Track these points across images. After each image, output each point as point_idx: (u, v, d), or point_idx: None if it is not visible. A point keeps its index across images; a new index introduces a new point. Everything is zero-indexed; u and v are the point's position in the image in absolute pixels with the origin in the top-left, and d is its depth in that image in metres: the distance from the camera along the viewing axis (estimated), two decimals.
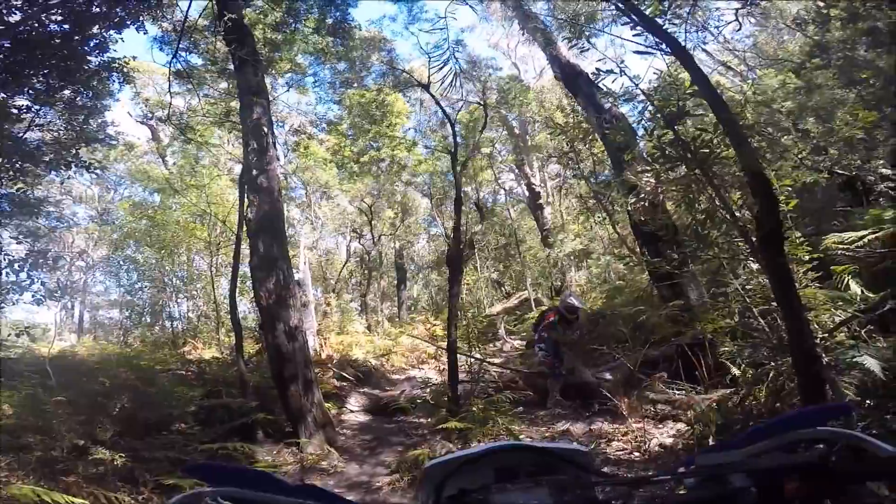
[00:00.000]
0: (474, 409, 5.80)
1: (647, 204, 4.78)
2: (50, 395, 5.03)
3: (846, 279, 4.12)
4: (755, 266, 4.16)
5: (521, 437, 5.40)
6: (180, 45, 7.89)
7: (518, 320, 13.22)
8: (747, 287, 4.27)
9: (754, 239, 3.54)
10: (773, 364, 3.78)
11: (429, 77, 9.44)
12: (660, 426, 4.74)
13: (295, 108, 15.03)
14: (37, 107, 6.67)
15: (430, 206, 18.63)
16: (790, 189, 4.39)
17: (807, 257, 4.02)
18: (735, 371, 4.34)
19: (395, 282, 19.03)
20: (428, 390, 8.01)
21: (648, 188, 4.64)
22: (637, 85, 4.55)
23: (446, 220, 14.52)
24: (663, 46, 3.71)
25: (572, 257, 13.30)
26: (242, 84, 6.75)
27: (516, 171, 17.26)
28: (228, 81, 8.12)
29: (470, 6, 10.03)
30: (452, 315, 6.78)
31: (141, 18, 6.79)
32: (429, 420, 6.64)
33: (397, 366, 10.83)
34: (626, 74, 4.33)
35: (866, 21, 6.56)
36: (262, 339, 7.27)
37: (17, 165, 6.70)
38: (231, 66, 7.68)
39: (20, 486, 3.30)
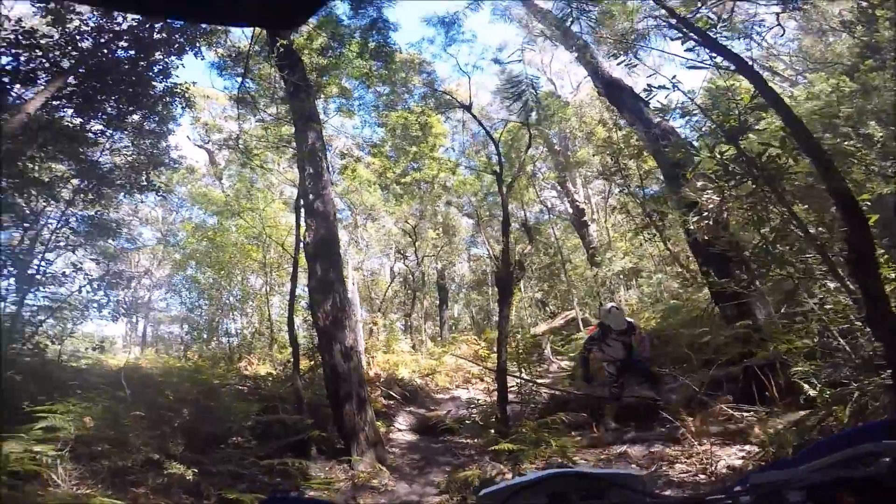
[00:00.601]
0: (525, 430, 5.68)
1: (710, 222, 4.59)
2: (124, 408, 5.27)
3: None
4: (833, 285, 3.92)
5: (575, 459, 5.24)
6: (236, 71, 8.41)
7: (565, 340, 12.87)
8: (826, 306, 4.01)
9: (832, 257, 3.35)
10: (855, 384, 3.60)
11: (469, 97, 9.64)
12: (727, 448, 4.54)
13: (341, 131, 15.68)
14: (109, 131, 7.25)
15: (471, 226, 18.72)
16: (868, 203, 4.12)
17: (893, 275, 3.73)
18: (811, 391, 4.09)
19: (438, 302, 19.11)
20: (475, 410, 7.91)
21: (711, 205, 4.46)
22: (692, 100, 4.47)
23: (489, 240, 14.52)
24: (717, 60, 3.63)
25: (621, 276, 12.88)
26: (296, 109, 7.09)
27: (559, 188, 17.08)
28: (278, 107, 8.55)
29: (516, 23, 10.18)
30: (502, 336, 6.74)
31: (197, 45, 7.23)
32: (476, 441, 6.57)
33: (441, 385, 10.77)
34: (679, 89, 4.26)
35: None
36: (318, 358, 7.46)
37: (95, 188, 7.33)
38: (282, 91, 8.09)
39: (101, 501, 3.46)
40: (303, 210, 6.97)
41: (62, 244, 7.54)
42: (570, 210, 16.30)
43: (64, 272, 7.36)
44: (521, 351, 7.99)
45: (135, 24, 6.60)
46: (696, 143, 6.05)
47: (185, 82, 7.33)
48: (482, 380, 10.88)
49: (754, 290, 4.76)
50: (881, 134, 6.09)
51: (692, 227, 5.17)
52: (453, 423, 7.33)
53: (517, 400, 7.45)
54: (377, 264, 19.58)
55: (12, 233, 7.18)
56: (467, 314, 22.89)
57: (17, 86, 6.23)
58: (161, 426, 5.16)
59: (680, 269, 9.65)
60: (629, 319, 5.91)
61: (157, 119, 7.87)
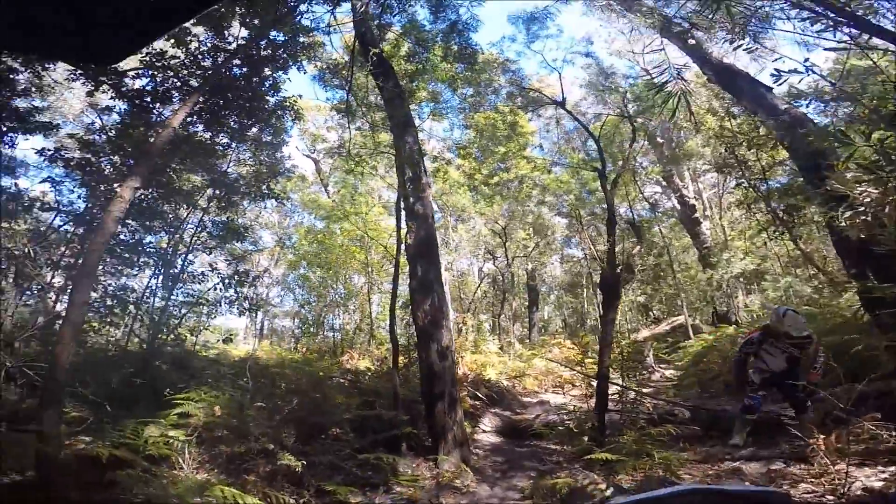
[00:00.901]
0: (625, 440, 5.31)
1: (868, 217, 3.82)
2: (247, 398, 5.66)
3: None
4: None
5: (679, 474, 4.77)
6: (335, 83, 8.98)
7: (670, 348, 11.79)
8: None
9: None
10: None
11: (562, 93, 9.25)
12: (866, 468, 3.95)
13: (431, 134, 16.08)
14: (234, 144, 8.19)
15: (565, 225, 18.03)
16: None
17: None
18: None
19: (527, 303, 18.72)
20: (567, 416, 7.57)
21: (868, 199, 3.71)
22: (833, 83, 3.80)
23: (588, 240, 13.84)
24: (863, 41, 3.03)
25: (741, 279, 11.43)
26: (393, 116, 7.37)
27: (664, 183, 15.71)
28: (373, 114, 8.94)
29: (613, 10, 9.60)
30: (606, 342, 6.41)
31: (300, 59, 7.83)
32: (567, 448, 6.31)
33: (529, 388, 10.51)
34: (816, 73, 3.65)
35: None
36: (412, 356, 7.70)
37: (225, 196, 8.37)
38: (373, 99, 8.44)
39: (221, 488, 3.75)
40: (403, 213, 7.25)
41: (199, 247, 8.74)
42: (678, 206, 14.89)
43: (203, 272, 8.51)
44: (624, 357, 7.48)
45: (243, 42, 7.42)
46: (841, 130, 5.16)
47: (293, 95, 8.04)
48: (574, 385, 10.39)
49: None
50: None
51: (843, 224, 4.35)
52: (542, 428, 7.10)
53: (616, 409, 6.99)
54: (466, 265, 19.78)
55: (160, 236, 8.51)
56: (559, 316, 22.13)
57: (157, 105, 7.31)
58: (275, 416, 5.54)
59: (815, 272, 8.28)
60: (809, 330, 5.11)
61: (271, 131, 8.77)
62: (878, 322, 4.94)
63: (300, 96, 8.27)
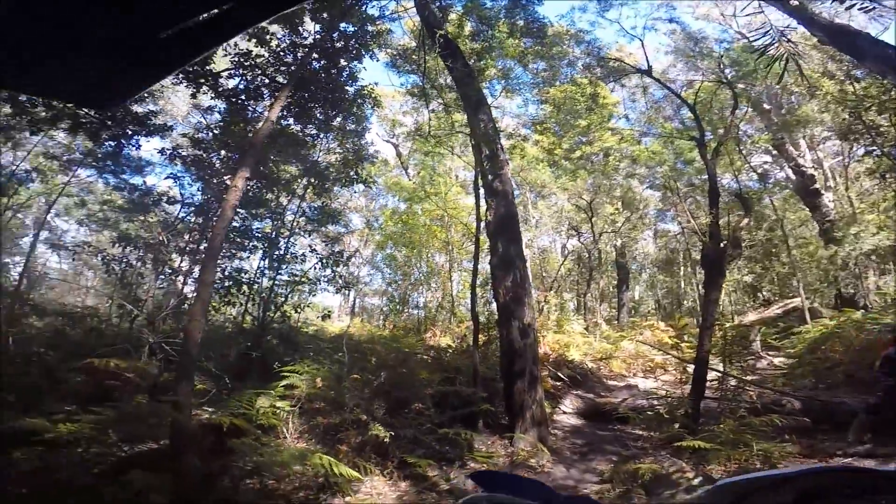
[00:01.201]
0: (721, 429, 5.04)
1: None
2: (344, 371, 6.05)
3: None
4: None
5: (778, 466, 4.40)
6: (406, 68, 9.12)
7: (781, 333, 10.59)
8: None
9: None
10: None
11: (647, 60, 8.49)
12: None
13: (505, 112, 15.68)
14: (320, 134, 8.77)
15: (657, 199, 16.73)
16: None
17: None
18: None
19: (616, 282, 17.83)
20: (657, 402, 7.23)
21: None
22: None
23: (684, 213, 12.75)
24: None
25: (873, 257, 9.80)
26: (465, 95, 7.37)
27: (774, 152, 13.81)
28: (444, 95, 8.95)
29: None
30: (707, 324, 6.05)
31: (371, 48, 8.04)
32: (654, 434, 6.09)
33: (616, 372, 10.14)
34: None
35: None
36: (492, 334, 7.80)
37: (318, 184, 9.06)
38: (441, 81, 8.43)
39: (320, 457, 4.09)
40: (481, 190, 7.29)
41: (298, 230, 9.60)
42: (793, 177, 13.04)
43: (303, 253, 9.37)
44: (727, 342, 6.92)
45: (318, 36, 7.81)
46: None
47: (370, 84, 8.37)
48: (666, 370, 9.81)
49: None
50: None
51: None
52: (629, 412, 6.86)
53: (714, 396, 6.52)
54: (548, 241, 19.28)
55: (266, 222, 9.47)
56: (651, 297, 20.80)
57: (251, 102, 8.01)
58: (365, 389, 5.90)
59: None
60: None
61: (353, 120, 9.25)
62: None
63: (376, 84, 8.58)
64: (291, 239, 9.38)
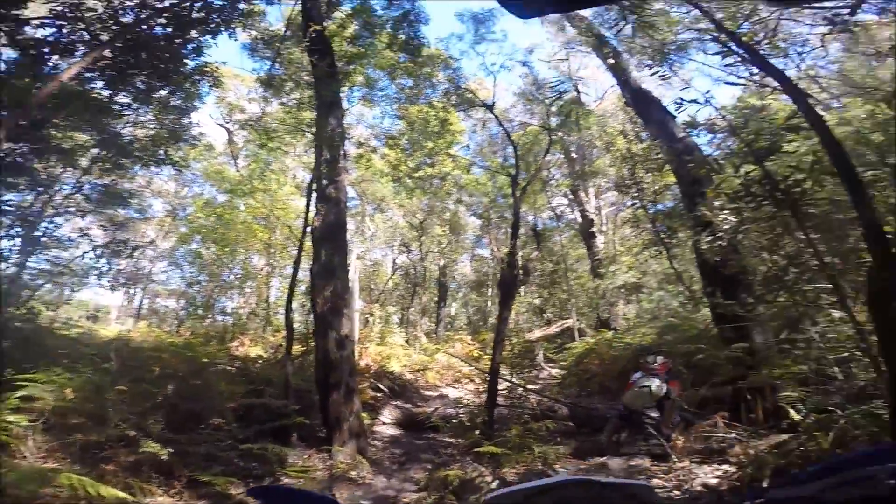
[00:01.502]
0: (510, 434, 5.63)
1: (723, 243, 4.46)
2: (109, 381, 5.12)
3: None
4: (838, 315, 3.86)
5: (555, 466, 5.19)
6: (266, 54, 8.39)
7: (558, 349, 12.77)
8: (828, 335, 3.94)
9: (846, 288, 3.25)
10: (842, 412, 3.62)
11: (493, 97, 9.55)
12: (705, 466, 4.53)
13: (360, 120, 15.60)
14: (135, 105, 7.29)
15: (478, 226, 18.62)
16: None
17: None
18: (795, 416, 4.04)
19: (437, 298, 19.04)
20: (462, 410, 7.86)
21: (727, 226, 4.33)
22: (724, 116, 4.35)
23: (495, 242, 14.42)
24: (757, 77, 3.53)
25: (623, 290, 12.74)
26: (321, 95, 7.04)
27: (570, 196, 16.93)
28: (301, 91, 8.51)
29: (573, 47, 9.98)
30: (499, 339, 6.71)
31: (233, 26, 7.24)
32: (460, 440, 6.52)
33: (431, 382, 10.71)
34: (711, 105, 4.16)
35: None
36: (310, 344, 7.41)
37: (113, 159, 7.37)
38: (306, 77, 8.04)
39: (68, 476, 3.41)
40: (314, 194, 6.94)
41: (72, 209, 7.59)
42: (580, 219, 16.14)
43: (70, 237, 7.40)
44: (513, 355, 7.94)
45: (176, 1, 6.66)
46: (720, 162, 5.91)
47: (216, 62, 7.35)
48: (472, 380, 10.82)
49: (756, 314, 4.65)
50: None
51: (703, 247, 5.05)
52: (439, 421, 7.29)
53: (505, 404, 7.39)
54: (380, 255, 19.56)
55: (25, 195, 7.24)
56: (464, 314, 22.82)
57: (56, 57, 6.28)
58: (142, 402, 5.09)
59: (682, 289, 9.51)
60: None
61: (182, 96, 7.92)
62: (723, 335, 5.80)
63: (224, 63, 7.57)
64: (60, 219, 7.37)
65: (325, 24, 7.38)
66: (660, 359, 5.55)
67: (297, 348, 8.87)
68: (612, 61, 8.77)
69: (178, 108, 7.95)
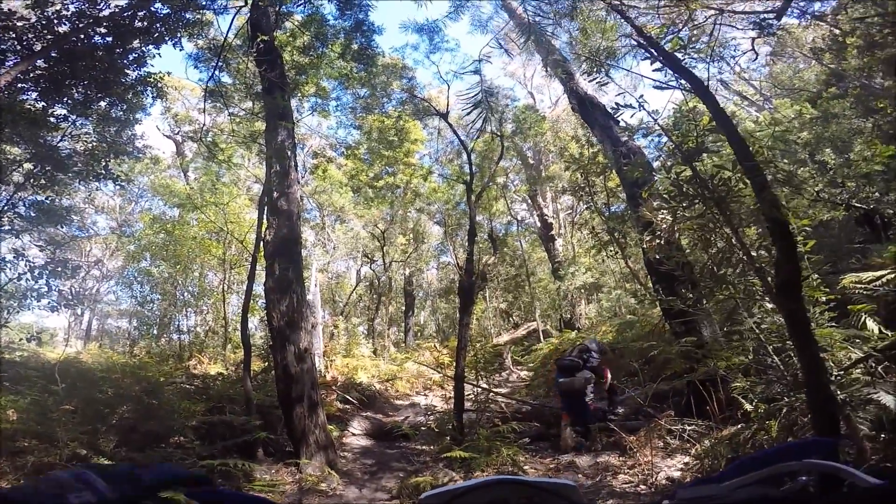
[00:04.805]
0: (479, 438, 5.70)
1: (661, 242, 4.73)
2: (55, 402, 5.02)
3: (863, 317, 4.06)
4: (770, 306, 4.11)
5: (525, 467, 5.29)
6: (213, 64, 8.21)
7: (525, 351, 13.03)
8: (762, 326, 4.21)
9: (770, 280, 3.52)
10: (786, 400, 3.76)
11: (447, 106, 9.71)
12: (668, 460, 4.67)
13: (316, 130, 15.46)
14: (73, 117, 6.95)
15: (441, 234, 18.77)
16: (808, 228, 4.37)
17: (823, 298, 3.97)
18: (747, 406, 4.27)
19: (403, 308, 18.99)
20: (432, 417, 7.88)
21: (664, 225, 4.60)
22: (656, 120, 4.57)
23: (458, 249, 14.58)
24: (683, 81, 3.77)
25: (583, 290, 13.19)
26: (270, 107, 6.96)
27: (529, 201, 17.38)
28: (254, 102, 8.39)
29: (502, 45, 10.30)
30: (462, 345, 6.78)
31: (179, 35, 7.06)
32: (432, 447, 6.54)
33: (402, 391, 10.68)
34: (644, 109, 4.37)
35: (884, 49, 6.56)
36: (271, 359, 7.26)
37: (49, 174, 6.97)
38: (258, 88, 7.94)
39: None
40: (266, 208, 6.84)
41: (6, 228, 7.11)
42: (539, 224, 16.60)
43: (4, 258, 6.93)
44: (480, 360, 8.04)
45: (117, 10, 6.43)
46: (655, 164, 6.27)
47: (160, 72, 7.11)
48: (442, 387, 10.85)
49: (700, 308, 4.94)
50: (834, 161, 6.47)
51: (644, 246, 5.35)
52: (409, 430, 7.27)
53: (474, 408, 7.47)
54: (343, 267, 19.33)
55: None
56: (433, 322, 22.85)
57: None
58: (95, 422, 4.94)
59: (637, 287, 9.96)
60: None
61: (124, 107, 7.60)
62: (674, 330, 6.12)
63: (169, 73, 7.34)
64: None
65: (274, 33, 7.31)
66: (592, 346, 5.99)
67: (258, 364, 8.66)
68: (557, 68, 9.08)
69: (120, 119, 7.64)
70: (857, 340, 3.87)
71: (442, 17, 9.63)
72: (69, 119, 7.00)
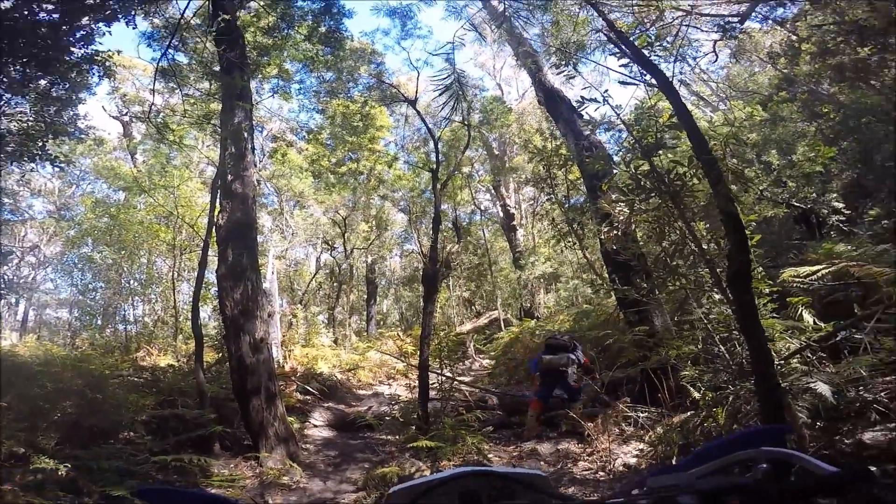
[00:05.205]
0: (445, 427, 5.74)
1: (618, 233, 4.90)
2: None
3: (800, 310, 4.35)
4: (717, 296, 4.32)
5: (489, 456, 5.37)
6: (167, 43, 7.70)
7: (487, 340, 13.24)
8: (710, 316, 4.44)
9: (719, 271, 3.72)
10: (732, 388, 3.97)
11: (416, 93, 9.57)
12: (624, 446, 4.83)
13: (276, 113, 14.85)
14: (8, 96, 6.36)
15: (405, 221, 18.63)
16: (754, 223, 4.64)
17: (766, 290, 4.23)
18: (696, 394, 4.48)
19: (366, 296, 18.80)
20: (396, 407, 7.88)
21: (622, 217, 4.76)
22: (618, 115, 4.68)
23: (422, 237, 14.52)
24: (647, 78, 3.86)
25: (542, 280, 13.51)
26: (227, 87, 6.62)
27: (493, 191, 17.53)
28: (211, 82, 7.94)
29: (475, 28, 10.20)
30: (425, 333, 6.78)
31: (133, 13, 6.57)
32: (397, 437, 6.54)
33: (364, 381, 10.61)
34: (608, 104, 4.47)
35: (835, 56, 7.00)
36: (225, 350, 7.00)
37: None
38: (217, 68, 7.52)
39: None
40: (220, 191, 6.53)
41: None
42: (501, 214, 16.79)
43: None
44: (444, 348, 8.10)
45: None
46: (615, 158, 6.45)
47: (109, 50, 6.57)
48: (406, 376, 10.87)
49: (653, 298, 5.16)
50: (778, 162, 6.89)
51: (602, 237, 5.51)
52: (373, 420, 7.24)
53: (438, 397, 7.53)
54: (302, 254, 18.85)
55: None
56: (396, 310, 22.79)
57: None
58: (33, 419, 4.67)
59: (594, 277, 10.31)
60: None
61: (67, 87, 6.99)
62: (628, 320, 6.38)
63: (119, 52, 6.79)
64: None
65: (238, 13, 6.96)
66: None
67: (211, 355, 8.33)
68: (525, 60, 9.14)
69: (61, 99, 7.04)
70: (795, 331, 4.15)
71: (416, 1, 9.41)
72: (3, 98, 6.39)
